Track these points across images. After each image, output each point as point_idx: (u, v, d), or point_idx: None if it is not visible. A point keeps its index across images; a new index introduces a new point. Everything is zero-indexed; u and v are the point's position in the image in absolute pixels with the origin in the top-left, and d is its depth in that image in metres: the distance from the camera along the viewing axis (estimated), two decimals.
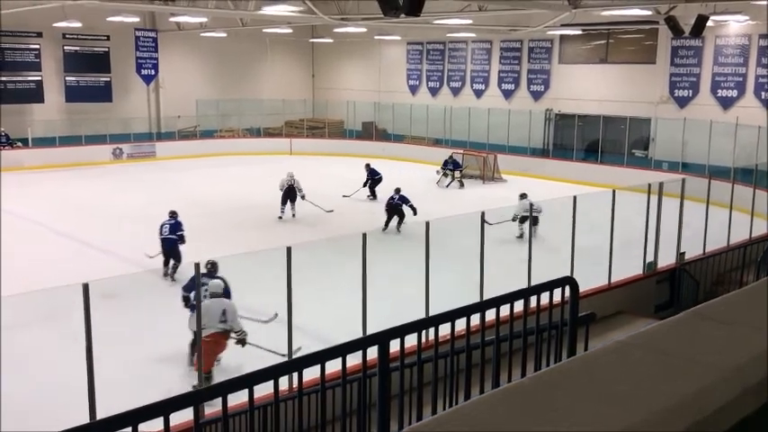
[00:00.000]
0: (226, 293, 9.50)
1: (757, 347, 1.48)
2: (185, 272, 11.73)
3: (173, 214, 13.91)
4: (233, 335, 9.08)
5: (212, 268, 9.98)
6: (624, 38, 26.12)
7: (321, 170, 26.49)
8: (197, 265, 7.77)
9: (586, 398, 1.34)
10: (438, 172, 24.92)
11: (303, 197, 18.97)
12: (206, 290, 9.12)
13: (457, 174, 24.84)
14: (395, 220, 17.39)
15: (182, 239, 13.42)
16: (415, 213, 16.99)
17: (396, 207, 17.44)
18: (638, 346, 1.53)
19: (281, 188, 19.06)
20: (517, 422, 1.26)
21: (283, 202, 18.97)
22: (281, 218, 18.91)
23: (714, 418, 1.27)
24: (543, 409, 1.30)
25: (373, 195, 21.55)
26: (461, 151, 26.73)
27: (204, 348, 8.22)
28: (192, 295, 9.09)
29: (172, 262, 13.39)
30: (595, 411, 1.29)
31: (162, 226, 13.72)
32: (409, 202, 17.49)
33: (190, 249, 13.30)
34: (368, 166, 22.30)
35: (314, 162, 28.99)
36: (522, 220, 16.32)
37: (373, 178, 21.86)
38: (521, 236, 16.23)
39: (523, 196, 17.09)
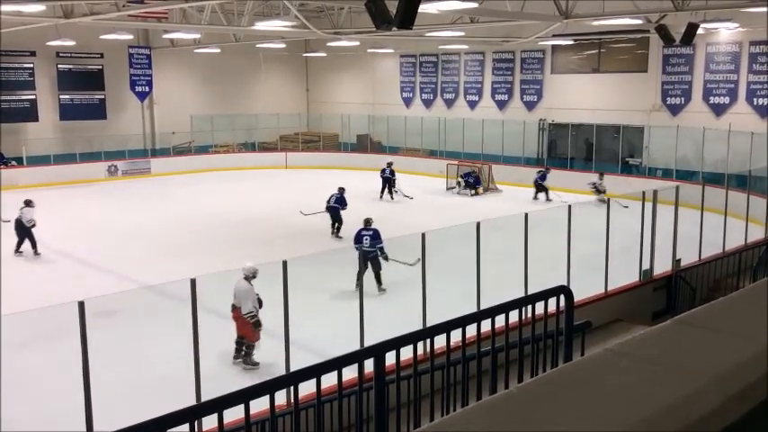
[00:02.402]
0: (376, 237, 13.18)
1: (742, 354, 1.49)
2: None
3: (341, 189, 18.47)
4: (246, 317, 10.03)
5: (368, 223, 13.76)
6: (616, 47, 26.26)
7: (320, 182, 26.52)
8: (193, 281, 7.73)
9: (573, 406, 1.35)
10: (459, 183, 25.50)
11: (393, 182, 24.14)
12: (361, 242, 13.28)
13: (480, 189, 25.30)
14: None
15: (343, 206, 18.01)
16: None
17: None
18: (625, 354, 1.54)
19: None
20: None
21: (382, 190, 24.30)
22: (381, 198, 24.03)
23: (700, 425, 1.28)
24: (529, 419, 1.31)
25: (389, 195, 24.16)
26: (456, 162, 26.80)
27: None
28: (358, 246, 13.12)
29: (336, 224, 17.93)
30: (582, 420, 1.30)
31: (330, 197, 18.23)
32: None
33: (185, 266, 13.28)
34: (390, 164, 24.64)
35: (310, 175, 29.04)
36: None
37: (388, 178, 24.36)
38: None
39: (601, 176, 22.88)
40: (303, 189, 26.23)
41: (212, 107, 32.85)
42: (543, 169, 24.60)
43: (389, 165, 24.64)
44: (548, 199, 23.26)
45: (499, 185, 25.86)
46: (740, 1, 16.71)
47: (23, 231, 16.28)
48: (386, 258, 12.90)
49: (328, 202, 18.17)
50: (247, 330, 10.12)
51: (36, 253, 16.36)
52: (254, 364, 10.16)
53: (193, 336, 7.84)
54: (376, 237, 13.36)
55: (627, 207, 20.44)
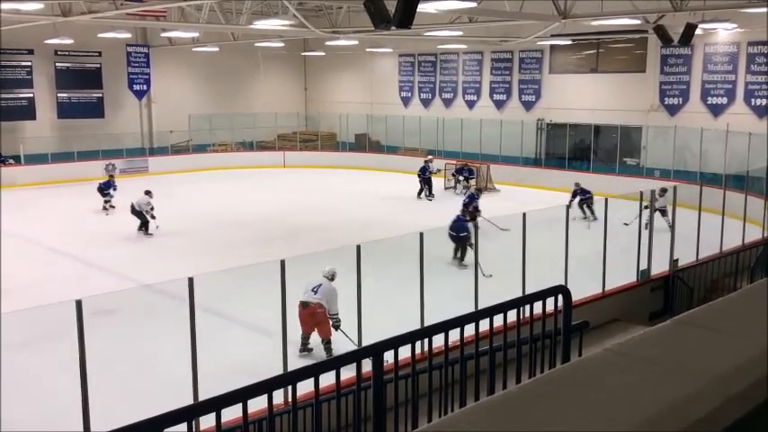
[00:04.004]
0: (461, 226, 14.90)
1: (742, 355, 1.49)
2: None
3: (426, 161, 23.43)
4: (330, 318, 10.20)
5: (462, 212, 16.29)
6: (614, 47, 26.27)
7: (318, 181, 26.55)
8: (190, 279, 7.72)
9: (573, 406, 1.35)
10: (458, 181, 25.44)
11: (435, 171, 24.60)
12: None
13: (472, 182, 25.10)
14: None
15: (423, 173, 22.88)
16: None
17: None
18: (625, 354, 1.54)
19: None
20: None
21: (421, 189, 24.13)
22: (419, 197, 24.01)
23: (700, 425, 1.28)
24: (529, 419, 1.31)
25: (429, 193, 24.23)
26: (454, 162, 26.79)
27: (298, 314, 10.00)
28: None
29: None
30: (582, 420, 1.30)
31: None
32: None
33: (184, 266, 13.25)
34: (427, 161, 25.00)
35: (308, 174, 29.03)
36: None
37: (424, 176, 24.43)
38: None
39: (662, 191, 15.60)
40: (301, 188, 26.24)
41: (210, 106, 32.82)
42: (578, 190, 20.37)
43: (427, 162, 24.77)
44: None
45: (497, 185, 25.86)
46: (739, 1, 16.73)
47: (138, 215, 18.63)
48: (470, 246, 13.91)
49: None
50: (323, 327, 10.25)
51: (146, 233, 18.51)
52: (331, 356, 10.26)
53: (191, 334, 7.84)
54: (459, 223, 15.31)
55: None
